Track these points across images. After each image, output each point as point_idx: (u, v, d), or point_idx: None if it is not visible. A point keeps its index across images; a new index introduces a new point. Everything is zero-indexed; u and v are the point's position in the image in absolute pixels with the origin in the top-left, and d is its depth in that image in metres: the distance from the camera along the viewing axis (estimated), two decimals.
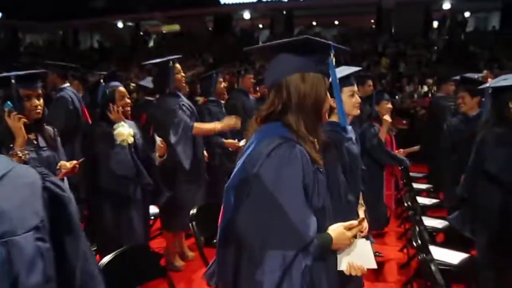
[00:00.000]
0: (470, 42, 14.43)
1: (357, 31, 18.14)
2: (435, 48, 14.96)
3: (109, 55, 20.33)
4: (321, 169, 1.38)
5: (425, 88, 11.69)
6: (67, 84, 4.36)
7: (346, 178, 2.01)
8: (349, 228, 1.39)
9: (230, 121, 3.39)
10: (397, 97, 9.77)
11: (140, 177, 2.67)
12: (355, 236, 1.42)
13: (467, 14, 17.76)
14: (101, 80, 2.72)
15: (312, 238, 1.24)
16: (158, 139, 2.87)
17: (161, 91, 3.40)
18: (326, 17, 21.36)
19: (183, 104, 3.36)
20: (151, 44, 22.48)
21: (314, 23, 22.15)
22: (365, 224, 1.94)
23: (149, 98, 4.38)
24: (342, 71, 2.13)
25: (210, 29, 21.10)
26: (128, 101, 2.75)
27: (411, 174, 5.34)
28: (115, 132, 2.60)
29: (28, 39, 25.62)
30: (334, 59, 1.35)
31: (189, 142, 3.28)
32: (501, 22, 16.02)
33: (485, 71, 6.80)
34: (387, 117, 3.66)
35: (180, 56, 3.63)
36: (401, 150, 3.97)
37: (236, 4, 18.69)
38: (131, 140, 2.64)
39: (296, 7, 18.70)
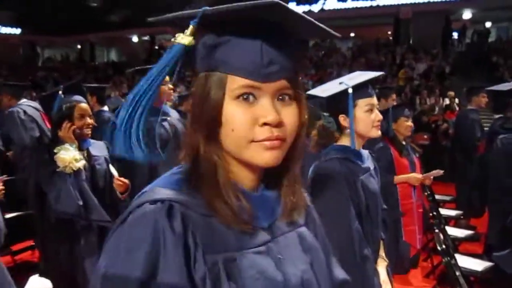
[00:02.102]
0: (493, 53, 13.81)
1: (374, 42, 17.68)
2: (456, 58, 14.40)
3: (124, 69, 20.35)
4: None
5: (447, 101, 11.16)
6: (23, 100, 4.25)
7: (361, 225, 1.48)
8: None
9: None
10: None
11: (90, 213, 2.18)
12: None
13: (488, 24, 17.16)
14: (60, 92, 2.23)
15: None
16: (114, 172, 2.35)
17: None
18: (342, 29, 20.96)
19: (164, 121, 2.91)
20: None
21: None
22: None
23: None
24: (357, 77, 1.62)
25: None
26: (90, 121, 2.27)
27: (436, 197, 4.82)
28: (55, 156, 2.16)
29: (46, 53, 26.07)
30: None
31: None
32: None
33: None
34: (417, 176, 3.10)
35: None
36: (421, 175, 3.22)
37: None
38: (76, 166, 2.16)
39: None
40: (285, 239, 0.76)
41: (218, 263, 0.67)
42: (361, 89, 1.57)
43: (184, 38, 0.68)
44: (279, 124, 0.67)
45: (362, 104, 1.58)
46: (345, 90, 1.53)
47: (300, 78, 0.78)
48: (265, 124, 0.66)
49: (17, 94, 4.23)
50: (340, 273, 0.87)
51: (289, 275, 0.73)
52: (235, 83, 0.67)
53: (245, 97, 0.67)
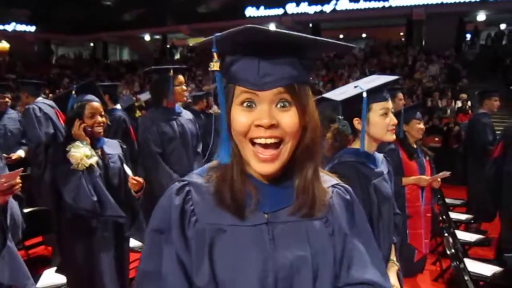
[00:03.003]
0: (507, 55, 13.61)
1: (386, 43, 17.55)
2: (469, 60, 14.24)
3: (136, 67, 20.53)
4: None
5: (459, 103, 11.06)
6: (39, 98, 4.30)
7: (372, 229, 1.49)
8: None
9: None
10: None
11: (105, 209, 2.21)
12: None
13: (502, 26, 16.93)
14: (73, 92, 2.28)
15: None
16: (128, 171, 2.39)
17: (157, 103, 3.00)
18: (354, 30, 20.92)
19: (172, 120, 2.97)
20: (177, 56, 22.61)
21: (341, 36, 21.73)
22: None
23: None
24: (372, 81, 1.62)
25: None
26: (101, 119, 2.29)
27: (447, 200, 4.79)
28: (68, 154, 2.19)
29: (60, 51, 26.39)
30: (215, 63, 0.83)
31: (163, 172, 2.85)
32: None
33: None
34: (426, 178, 3.10)
35: (184, 66, 3.29)
36: (429, 177, 3.19)
37: (262, 17, 18.51)
38: (87, 162, 2.19)
39: (323, 20, 18.35)
40: (287, 226, 0.86)
41: (205, 230, 0.85)
42: (376, 93, 1.58)
43: (214, 65, 0.83)
44: (271, 126, 0.80)
45: (377, 108, 1.59)
46: (360, 94, 1.55)
47: (306, 84, 0.86)
48: (259, 125, 0.80)
49: (34, 92, 4.31)
50: (366, 274, 0.88)
51: (276, 256, 0.84)
52: (239, 91, 0.83)
53: (248, 104, 0.82)
